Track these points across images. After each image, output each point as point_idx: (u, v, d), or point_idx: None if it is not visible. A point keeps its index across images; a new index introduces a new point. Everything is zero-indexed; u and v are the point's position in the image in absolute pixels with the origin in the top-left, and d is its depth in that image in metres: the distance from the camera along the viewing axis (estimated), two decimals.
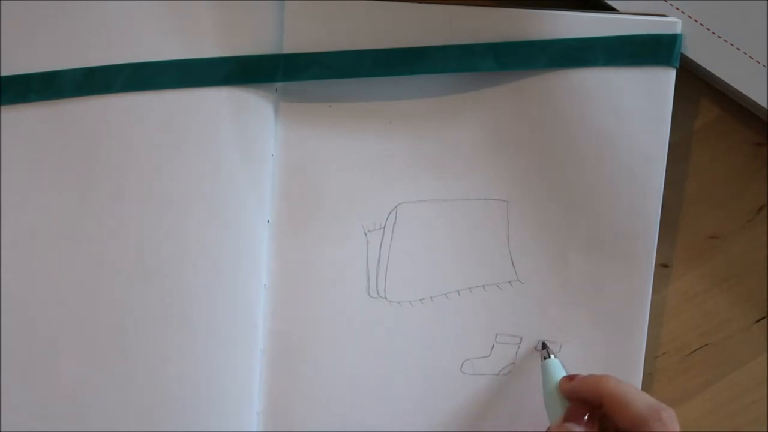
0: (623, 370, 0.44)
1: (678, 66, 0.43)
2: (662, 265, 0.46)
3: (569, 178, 0.44)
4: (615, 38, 0.43)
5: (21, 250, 0.44)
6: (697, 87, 0.46)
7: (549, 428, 0.41)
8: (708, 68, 0.44)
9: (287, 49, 0.44)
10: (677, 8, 0.44)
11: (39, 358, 0.44)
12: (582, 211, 0.44)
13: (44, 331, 0.44)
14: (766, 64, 0.43)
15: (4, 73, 0.44)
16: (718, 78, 0.44)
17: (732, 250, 0.46)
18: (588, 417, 0.40)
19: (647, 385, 0.45)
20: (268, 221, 0.45)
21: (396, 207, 0.45)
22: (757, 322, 0.45)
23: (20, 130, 0.45)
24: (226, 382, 0.44)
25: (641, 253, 0.44)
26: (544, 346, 0.44)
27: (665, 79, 0.43)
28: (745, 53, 0.43)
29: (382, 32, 0.44)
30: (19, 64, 0.45)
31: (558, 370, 0.42)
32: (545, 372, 0.43)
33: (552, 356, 0.43)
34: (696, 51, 0.44)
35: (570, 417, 0.40)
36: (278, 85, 0.45)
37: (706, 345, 0.46)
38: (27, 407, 0.44)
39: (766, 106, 0.44)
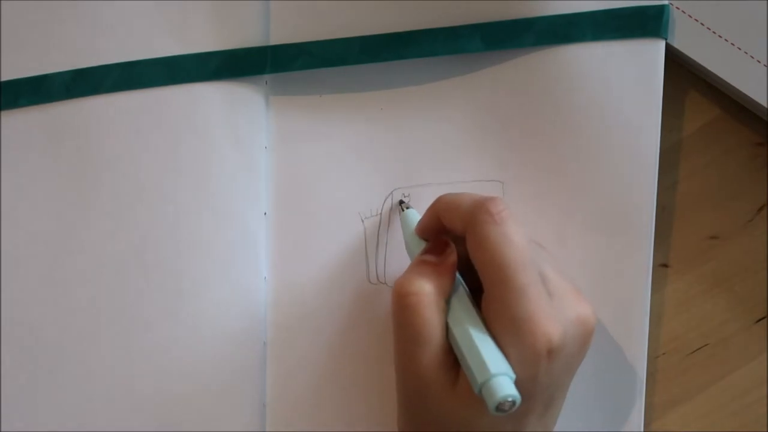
0: (624, 370, 0.44)
1: (667, 37, 0.43)
2: (662, 265, 0.46)
3: (563, 155, 0.44)
4: (601, 12, 0.43)
5: (19, 252, 0.44)
6: (697, 86, 0.46)
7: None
8: (708, 67, 0.44)
9: (274, 40, 0.44)
10: (677, 7, 0.44)
11: (39, 357, 0.44)
12: (578, 187, 0.44)
13: (44, 330, 0.44)
14: (766, 63, 0.43)
15: None
16: (718, 77, 0.44)
17: (732, 250, 0.45)
18: (440, 249, 0.39)
19: (647, 385, 0.44)
20: (265, 213, 0.45)
21: (391, 192, 0.45)
22: (757, 322, 0.45)
23: (12, 134, 0.45)
24: (231, 376, 0.44)
25: (640, 227, 0.43)
26: (401, 202, 0.44)
27: (654, 50, 0.43)
28: (746, 53, 0.43)
29: (369, 19, 0.44)
30: (8, 69, 0.45)
31: (416, 218, 0.42)
32: (404, 223, 0.43)
33: (409, 208, 0.43)
34: (696, 50, 0.44)
35: (425, 251, 0.40)
36: (268, 77, 0.45)
37: (706, 345, 0.45)
38: (28, 407, 0.44)
39: (766, 106, 0.43)
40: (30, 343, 0.44)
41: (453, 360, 0.37)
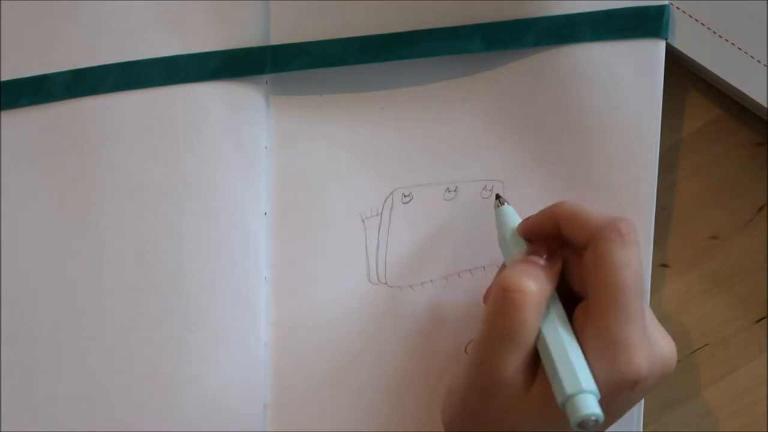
0: None
1: (667, 37, 0.43)
2: (662, 265, 0.46)
3: (563, 155, 0.44)
4: (602, 12, 0.43)
5: (19, 252, 0.44)
6: (697, 86, 0.46)
7: (509, 264, 0.40)
8: (708, 67, 0.44)
9: (274, 40, 0.44)
10: (677, 7, 0.44)
11: (39, 357, 0.44)
12: (578, 187, 0.44)
13: (44, 330, 0.44)
14: (766, 63, 0.43)
15: None
16: (718, 77, 0.44)
17: (732, 250, 0.45)
18: (550, 253, 0.39)
19: None
20: (266, 214, 0.45)
21: (392, 192, 0.45)
22: (757, 322, 0.45)
23: (12, 134, 0.45)
24: (231, 376, 0.44)
25: (640, 227, 0.42)
26: (498, 197, 0.43)
27: (655, 50, 0.43)
28: (746, 53, 0.43)
29: (368, 19, 0.44)
30: (8, 69, 0.45)
31: (513, 216, 0.42)
32: (501, 219, 0.42)
33: (506, 203, 0.42)
34: (696, 50, 0.44)
35: (532, 252, 0.39)
36: (267, 77, 0.45)
37: (706, 345, 0.45)
38: (28, 407, 0.44)
39: (766, 106, 0.43)
40: (30, 343, 0.44)
41: (534, 364, 0.37)
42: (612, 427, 0.43)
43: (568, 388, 0.35)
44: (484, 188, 0.44)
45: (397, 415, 0.44)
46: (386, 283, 0.45)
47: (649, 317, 0.38)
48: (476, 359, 0.38)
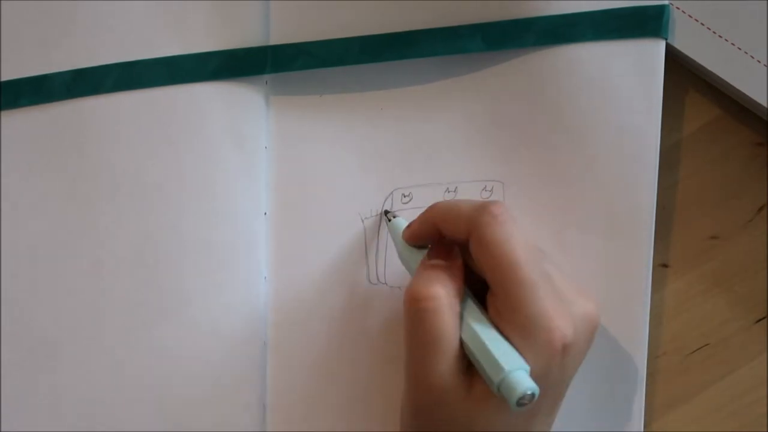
0: (624, 370, 0.44)
1: (667, 37, 0.43)
2: (662, 265, 0.46)
3: (563, 155, 0.44)
4: (602, 12, 0.43)
5: (19, 252, 0.44)
6: (697, 86, 0.46)
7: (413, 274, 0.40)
8: (708, 67, 0.44)
9: (274, 40, 0.44)
10: (677, 7, 0.44)
11: (39, 357, 0.44)
12: (578, 187, 0.44)
13: (45, 331, 0.44)
14: (766, 63, 0.43)
15: None
16: (718, 77, 0.44)
17: (732, 250, 0.45)
18: (447, 252, 0.39)
19: (647, 385, 0.44)
20: (265, 214, 0.45)
21: (391, 192, 0.45)
22: (757, 322, 0.45)
23: (12, 134, 0.45)
24: (231, 376, 0.44)
25: (640, 227, 0.43)
26: (386, 212, 0.44)
27: (655, 50, 0.43)
28: (746, 53, 0.43)
29: (369, 19, 0.44)
30: (8, 69, 0.45)
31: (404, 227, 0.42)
32: (394, 233, 0.42)
33: (396, 217, 0.43)
34: (696, 50, 0.44)
35: (431, 256, 0.39)
36: (268, 77, 0.45)
37: (706, 345, 0.45)
38: (28, 407, 0.44)
39: (766, 106, 0.43)
40: (30, 343, 0.44)
41: (467, 364, 0.37)
42: (612, 427, 0.43)
43: (494, 375, 0.35)
44: (484, 188, 0.45)
45: (398, 415, 0.44)
46: (386, 283, 0.45)
47: (560, 279, 0.38)
48: (413, 375, 0.38)
